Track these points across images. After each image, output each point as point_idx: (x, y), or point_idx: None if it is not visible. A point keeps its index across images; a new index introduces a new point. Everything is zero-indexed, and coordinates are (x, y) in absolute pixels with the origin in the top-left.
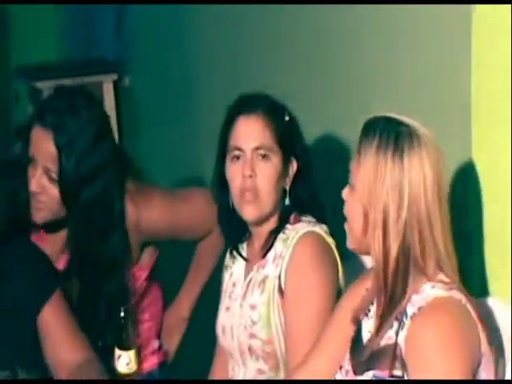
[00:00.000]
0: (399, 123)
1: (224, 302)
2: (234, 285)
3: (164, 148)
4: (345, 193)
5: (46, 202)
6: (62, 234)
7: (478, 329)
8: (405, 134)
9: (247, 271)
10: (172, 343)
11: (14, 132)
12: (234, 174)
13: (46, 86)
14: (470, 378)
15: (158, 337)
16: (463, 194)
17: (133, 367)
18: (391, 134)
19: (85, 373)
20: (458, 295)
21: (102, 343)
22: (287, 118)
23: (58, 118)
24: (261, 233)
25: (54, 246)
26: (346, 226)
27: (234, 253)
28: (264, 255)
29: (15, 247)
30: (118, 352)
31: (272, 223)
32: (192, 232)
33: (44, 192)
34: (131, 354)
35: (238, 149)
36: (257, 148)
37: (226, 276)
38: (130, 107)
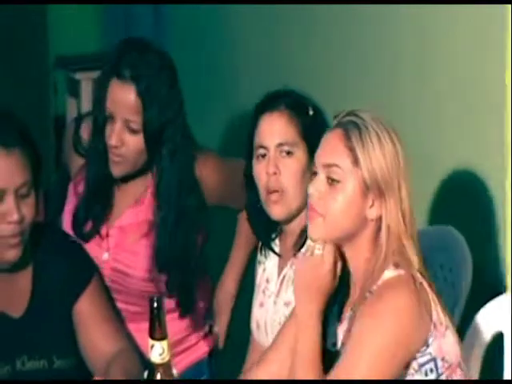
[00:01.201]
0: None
1: (258, 298)
2: (267, 281)
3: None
4: (321, 188)
5: (125, 155)
6: (135, 187)
7: (430, 299)
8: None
9: (280, 267)
10: (222, 322)
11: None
12: (259, 172)
13: (84, 77)
14: (400, 353)
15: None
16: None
17: (166, 357)
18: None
19: (120, 362)
20: (406, 272)
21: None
22: (311, 112)
23: (136, 70)
24: (292, 229)
25: (133, 194)
26: (319, 220)
27: (266, 249)
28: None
29: (51, 237)
30: (151, 342)
31: (303, 219)
32: (241, 198)
33: (124, 145)
34: (164, 344)
35: (262, 147)
36: (280, 145)
37: (260, 271)
38: None
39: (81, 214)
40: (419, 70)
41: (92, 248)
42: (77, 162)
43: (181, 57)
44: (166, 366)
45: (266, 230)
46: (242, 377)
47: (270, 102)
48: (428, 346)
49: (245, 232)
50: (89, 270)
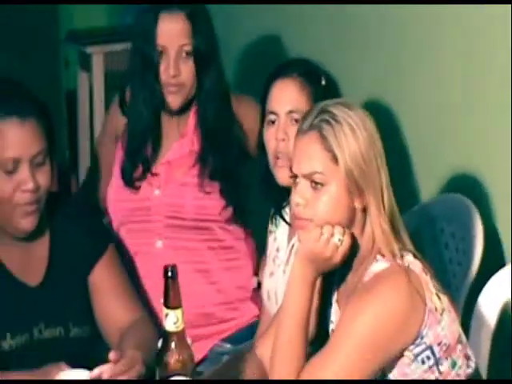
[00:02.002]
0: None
1: (268, 267)
2: (277, 250)
3: None
4: (306, 196)
5: (182, 83)
6: (178, 123)
7: (424, 290)
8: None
9: (290, 236)
10: None
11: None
12: (269, 137)
13: (95, 51)
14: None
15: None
16: None
17: (180, 326)
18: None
19: (134, 333)
20: (398, 263)
21: None
22: (324, 82)
23: (189, 6)
24: None
25: (177, 129)
26: (309, 226)
27: (277, 218)
28: None
29: (67, 207)
30: (165, 311)
31: None
32: None
33: (181, 73)
34: (178, 312)
35: (273, 113)
36: (290, 112)
37: (270, 240)
38: None
39: (130, 159)
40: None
41: (143, 188)
42: (122, 122)
43: None
44: (180, 335)
45: (277, 198)
46: (254, 344)
47: (283, 70)
48: (422, 337)
49: None
50: (104, 239)
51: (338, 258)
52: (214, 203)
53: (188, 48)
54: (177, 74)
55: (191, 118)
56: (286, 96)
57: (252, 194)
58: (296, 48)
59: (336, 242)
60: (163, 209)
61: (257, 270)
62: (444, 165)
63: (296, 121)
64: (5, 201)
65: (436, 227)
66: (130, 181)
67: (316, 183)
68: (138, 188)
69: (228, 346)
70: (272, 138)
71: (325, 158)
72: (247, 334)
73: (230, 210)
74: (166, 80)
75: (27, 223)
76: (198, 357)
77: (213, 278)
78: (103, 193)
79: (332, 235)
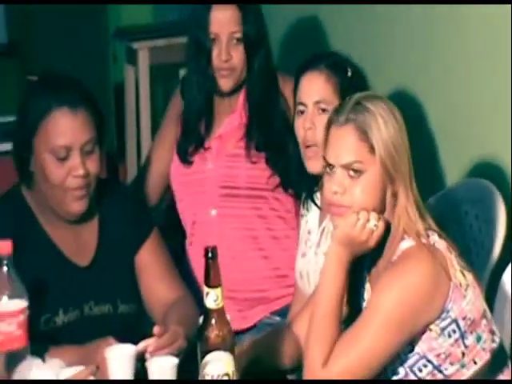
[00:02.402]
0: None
1: (301, 248)
2: (309, 232)
3: None
4: (344, 184)
5: (233, 67)
6: (230, 100)
7: (448, 267)
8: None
9: (321, 219)
10: None
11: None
12: (298, 127)
13: (141, 47)
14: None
15: None
16: None
17: (220, 303)
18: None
19: (177, 310)
20: (423, 241)
21: None
22: (350, 73)
23: None
24: None
25: (229, 107)
26: (347, 212)
27: (309, 202)
28: None
29: (114, 193)
30: (206, 289)
31: None
32: None
33: (232, 58)
34: (218, 291)
35: (302, 103)
36: (317, 102)
37: (302, 223)
38: None
39: (184, 137)
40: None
41: (197, 163)
42: (180, 106)
43: None
44: (220, 312)
45: (309, 184)
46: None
47: (311, 62)
48: (448, 311)
49: None
50: (149, 223)
51: (372, 241)
52: (261, 173)
53: (238, 35)
54: (228, 58)
55: (241, 97)
56: (314, 87)
57: None
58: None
59: (371, 227)
60: (217, 179)
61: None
62: (469, 152)
63: (323, 110)
64: (57, 185)
65: (461, 210)
66: (184, 156)
67: (355, 171)
68: (191, 163)
69: (277, 318)
70: (301, 128)
71: (362, 148)
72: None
73: (276, 179)
74: (219, 65)
75: (78, 206)
76: (246, 325)
77: (261, 244)
78: (164, 173)
79: (368, 220)
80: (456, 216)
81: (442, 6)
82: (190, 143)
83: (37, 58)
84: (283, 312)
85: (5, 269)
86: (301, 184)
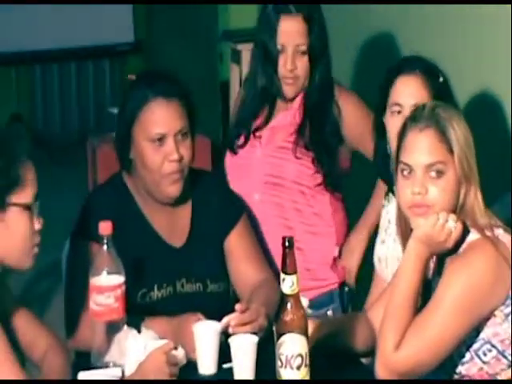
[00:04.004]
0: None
1: (380, 236)
2: (389, 221)
3: None
4: (426, 185)
5: (298, 76)
6: (295, 103)
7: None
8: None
9: None
10: (353, 261)
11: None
12: (393, 125)
13: (244, 48)
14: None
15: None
16: None
17: (295, 289)
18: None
19: (263, 291)
20: (488, 234)
21: None
22: (441, 79)
23: (307, 6)
24: None
25: (286, 106)
26: (429, 212)
27: (390, 194)
28: None
29: (206, 178)
30: (282, 276)
31: None
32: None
33: (297, 67)
34: (294, 278)
35: (398, 104)
36: (414, 105)
37: (383, 213)
38: None
39: (236, 127)
40: None
41: (246, 149)
42: None
43: None
44: (296, 297)
45: (391, 177)
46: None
47: (405, 65)
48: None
49: (379, 194)
50: (238, 209)
51: (450, 242)
52: (304, 169)
53: (303, 47)
54: (293, 68)
55: (298, 98)
56: (411, 91)
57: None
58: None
59: (450, 228)
60: (263, 167)
61: (343, 240)
62: None
63: None
64: (155, 171)
65: None
66: (231, 145)
67: (437, 172)
68: (237, 152)
69: (309, 311)
70: (395, 127)
71: (443, 149)
72: (327, 300)
73: (318, 178)
74: (284, 73)
75: (173, 190)
76: None
77: (295, 235)
78: None
79: (446, 221)
80: None
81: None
82: (239, 134)
83: (157, 56)
84: (315, 303)
85: (105, 247)
86: (384, 177)
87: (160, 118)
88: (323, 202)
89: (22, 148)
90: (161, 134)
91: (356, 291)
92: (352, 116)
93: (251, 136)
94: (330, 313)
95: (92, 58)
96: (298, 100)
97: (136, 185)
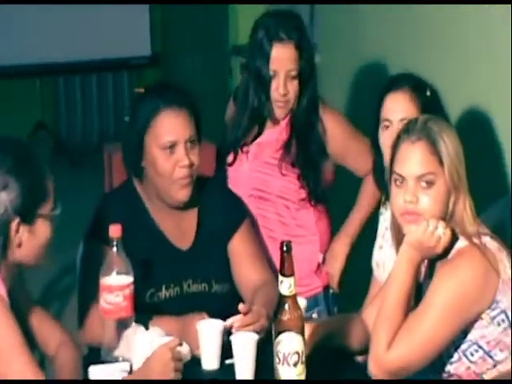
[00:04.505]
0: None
1: (378, 242)
2: (386, 228)
3: None
4: (417, 194)
5: (289, 99)
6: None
7: (498, 263)
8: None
9: None
10: (336, 266)
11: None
12: (385, 140)
13: None
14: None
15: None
16: None
17: (292, 291)
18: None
19: (264, 291)
20: (475, 242)
21: None
22: (429, 93)
23: (289, 32)
24: None
25: (271, 124)
26: (420, 219)
27: (387, 203)
28: None
29: (211, 184)
30: (280, 278)
31: None
32: (356, 161)
33: (288, 92)
34: (291, 280)
35: (387, 120)
36: (402, 119)
37: (381, 220)
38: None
39: (228, 144)
40: None
41: (236, 162)
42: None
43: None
44: (293, 298)
45: (387, 188)
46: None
47: (394, 83)
48: (497, 302)
49: (367, 194)
50: (241, 213)
51: (440, 247)
52: (289, 185)
53: (294, 72)
54: (285, 93)
55: (287, 118)
56: (399, 106)
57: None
58: None
59: (440, 234)
60: (249, 181)
61: (327, 247)
62: None
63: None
64: (166, 176)
65: None
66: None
67: (427, 182)
68: (231, 164)
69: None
70: (387, 142)
71: (434, 161)
72: (313, 304)
73: (302, 193)
74: (277, 97)
75: (183, 194)
76: None
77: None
78: None
79: (436, 228)
80: None
81: None
82: (229, 150)
83: (172, 69)
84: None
85: (114, 249)
86: (381, 187)
87: (171, 127)
88: (307, 214)
89: (46, 159)
90: (172, 141)
91: (341, 294)
92: (336, 132)
93: (239, 151)
94: (315, 315)
95: (112, 70)
96: (286, 119)
97: (146, 190)
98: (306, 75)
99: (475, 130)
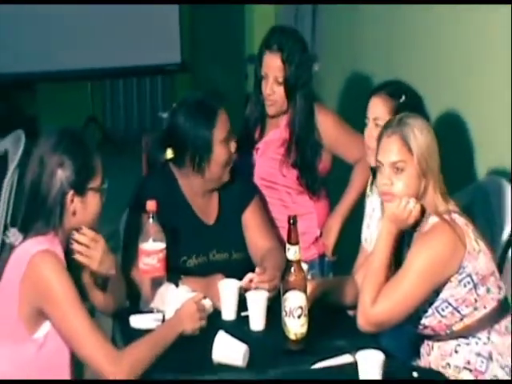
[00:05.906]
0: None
1: (365, 221)
2: (373, 210)
3: None
4: (391, 178)
5: (275, 100)
6: (277, 119)
7: (464, 236)
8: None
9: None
10: (330, 238)
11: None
12: (365, 134)
13: None
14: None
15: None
16: None
17: (298, 256)
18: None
19: (272, 256)
20: (446, 218)
21: None
22: (402, 99)
23: (280, 44)
24: None
25: (276, 124)
26: (394, 199)
27: (373, 187)
28: None
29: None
30: (287, 246)
31: None
32: (346, 150)
33: (274, 93)
34: (296, 247)
35: (367, 118)
36: (375, 119)
37: (368, 202)
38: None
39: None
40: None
41: (249, 158)
42: None
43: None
44: (298, 263)
45: (373, 174)
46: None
47: (376, 88)
48: (464, 267)
49: (356, 179)
50: (253, 191)
51: (411, 219)
52: (290, 180)
53: (280, 79)
54: (271, 94)
55: (285, 118)
56: (373, 108)
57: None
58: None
59: (410, 208)
60: (259, 172)
61: (324, 222)
62: (497, 154)
63: (376, 125)
64: (223, 164)
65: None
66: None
67: (398, 169)
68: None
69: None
70: (365, 135)
71: (405, 151)
72: (308, 268)
73: (303, 183)
74: (265, 96)
75: (228, 176)
76: None
77: (281, 223)
78: None
79: (408, 203)
80: (483, 207)
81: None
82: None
83: (198, 74)
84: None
85: (151, 220)
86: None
87: (226, 125)
88: (306, 197)
89: (94, 144)
90: (226, 136)
91: (336, 262)
92: (329, 127)
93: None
94: (309, 277)
95: (148, 74)
96: (284, 120)
97: (182, 174)
98: (292, 83)
99: (457, 130)
